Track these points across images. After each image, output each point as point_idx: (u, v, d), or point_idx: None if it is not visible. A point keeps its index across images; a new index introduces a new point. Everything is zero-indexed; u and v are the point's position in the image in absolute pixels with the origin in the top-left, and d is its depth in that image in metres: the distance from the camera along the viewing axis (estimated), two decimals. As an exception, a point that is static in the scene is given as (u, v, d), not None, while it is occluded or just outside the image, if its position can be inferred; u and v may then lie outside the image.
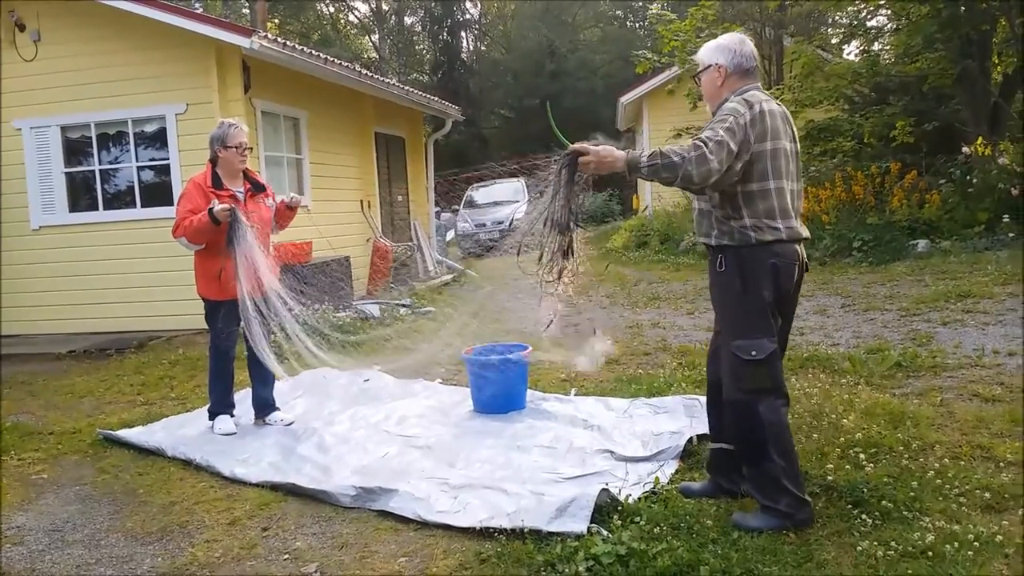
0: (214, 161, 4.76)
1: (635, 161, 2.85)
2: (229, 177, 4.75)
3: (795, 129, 3.13)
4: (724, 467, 3.32)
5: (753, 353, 2.96)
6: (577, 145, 2.97)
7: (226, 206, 4.49)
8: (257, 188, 4.86)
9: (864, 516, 2.99)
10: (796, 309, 3.29)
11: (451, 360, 5.88)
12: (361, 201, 11.69)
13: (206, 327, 4.95)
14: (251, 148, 4.87)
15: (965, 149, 11.13)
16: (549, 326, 3.24)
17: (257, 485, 3.94)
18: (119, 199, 8.98)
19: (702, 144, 2.81)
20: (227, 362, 4.91)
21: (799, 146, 3.17)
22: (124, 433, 4.86)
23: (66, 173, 8.99)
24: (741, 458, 3.15)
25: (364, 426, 4.75)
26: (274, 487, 3.89)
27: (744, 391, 3.01)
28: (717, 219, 3.03)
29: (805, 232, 3.10)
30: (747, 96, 2.99)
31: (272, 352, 4.66)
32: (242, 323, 4.74)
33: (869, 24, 14.27)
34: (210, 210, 4.47)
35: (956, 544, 2.71)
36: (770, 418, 2.99)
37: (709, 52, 3.14)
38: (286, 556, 3.18)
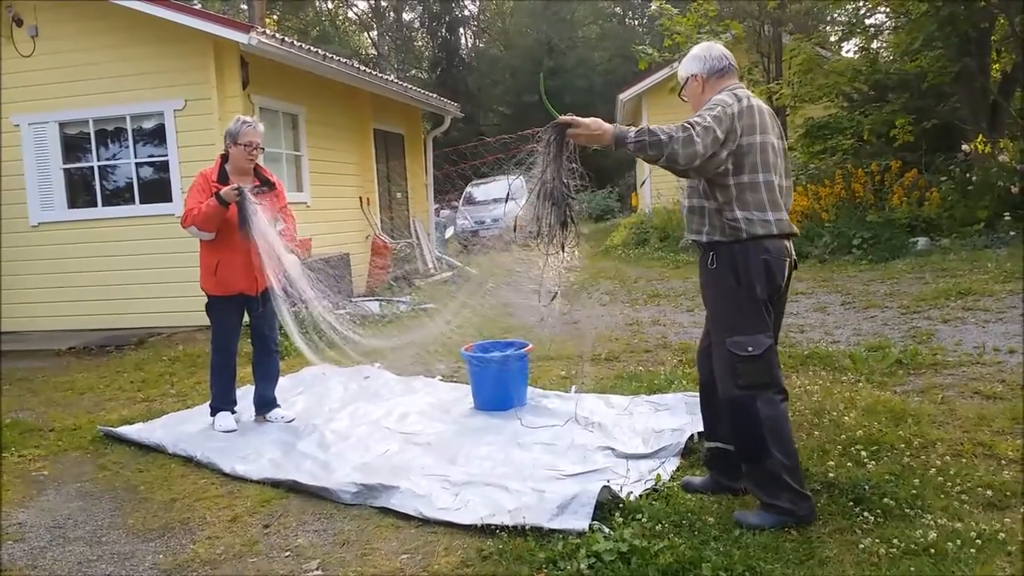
0: (224, 156, 4.75)
1: (623, 136, 2.88)
2: (237, 173, 4.72)
3: (782, 128, 3.21)
4: (722, 465, 3.33)
5: (749, 349, 2.97)
6: (566, 117, 2.97)
7: (234, 186, 4.48)
8: (267, 185, 4.81)
9: (866, 514, 2.99)
10: (787, 303, 3.35)
11: (452, 356, 5.87)
12: (360, 198, 11.68)
13: (207, 323, 4.94)
14: (263, 149, 4.84)
15: (965, 147, 11.13)
16: (554, 298, 3.12)
17: (258, 482, 3.94)
18: (118, 196, 8.96)
19: (690, 127, 2.85)
20: (228, 358, 4.89)
21: (787, 144, 3.26)
22: (125, 430, 4.85)
23: (65, 169, 8.98)
24: (740, 456, 3.15)
25: (365, 423, 4.75)
26: (275, 484, 3.88)
27: (741, 387, 3.00)
28: (709, 213, 3.05)
29: (794, 228, 3.14)
30: (735, 91, 3.06)
31: (307, 341, 4.60)
32: (246, 319, 4.71)
33: (868, 22, 14.28)
34: (216, 193, 4.46)
35: (958, 542, 2.71)
36: (768, 413, 2.98)
37: (684, 67, 3.24)
38: (287, 553, 3.18)
